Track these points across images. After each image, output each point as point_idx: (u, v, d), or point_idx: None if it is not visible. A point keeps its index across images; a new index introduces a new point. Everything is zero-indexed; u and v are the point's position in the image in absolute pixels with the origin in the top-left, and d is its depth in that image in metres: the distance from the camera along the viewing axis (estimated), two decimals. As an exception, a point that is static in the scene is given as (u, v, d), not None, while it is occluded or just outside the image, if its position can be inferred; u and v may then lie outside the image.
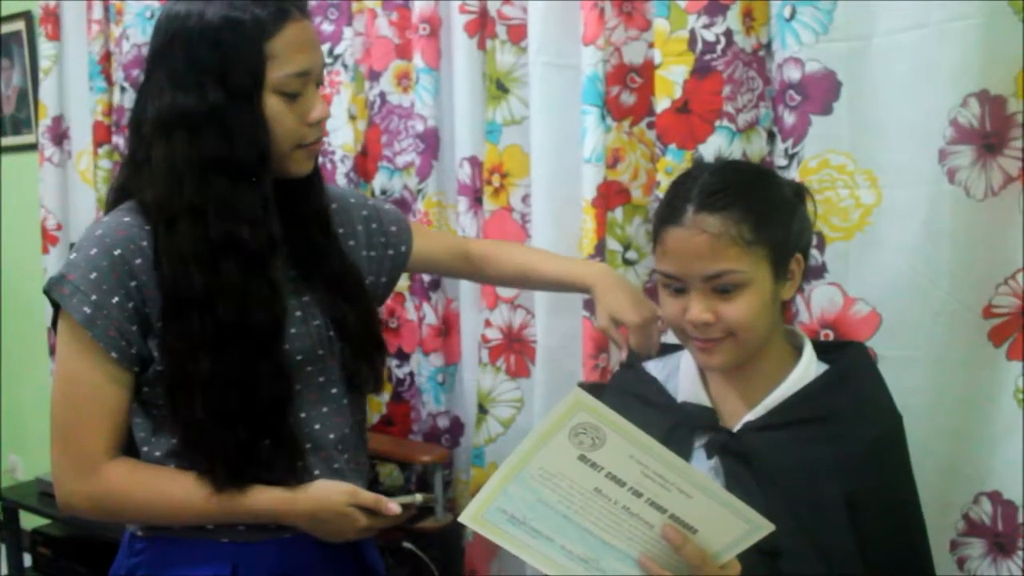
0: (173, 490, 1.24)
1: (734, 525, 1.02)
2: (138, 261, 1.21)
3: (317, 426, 1.31)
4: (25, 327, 3.19)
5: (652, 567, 1.04)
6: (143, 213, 1.24)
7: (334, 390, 1.34)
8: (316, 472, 1.30)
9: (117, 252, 1.21)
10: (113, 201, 1.29)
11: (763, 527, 1.01)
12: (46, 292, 1.24)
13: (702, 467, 1.22)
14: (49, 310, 1.27)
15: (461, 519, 1.06)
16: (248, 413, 1.22)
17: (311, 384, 1.31)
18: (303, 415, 1.30)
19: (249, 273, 1.22)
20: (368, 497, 1.26)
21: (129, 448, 1.29)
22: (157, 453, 1.28)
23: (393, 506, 1.26)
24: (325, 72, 1.77)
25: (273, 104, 1.22)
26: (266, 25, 1.20)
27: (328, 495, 1.25)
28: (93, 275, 1.20)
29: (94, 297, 1.20)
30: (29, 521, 2.71)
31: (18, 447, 3.27)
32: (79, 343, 1.22)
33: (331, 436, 1.33)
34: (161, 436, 1.28)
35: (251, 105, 1.20)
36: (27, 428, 3.19)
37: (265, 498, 1.24)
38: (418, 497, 1.30)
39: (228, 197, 1.20)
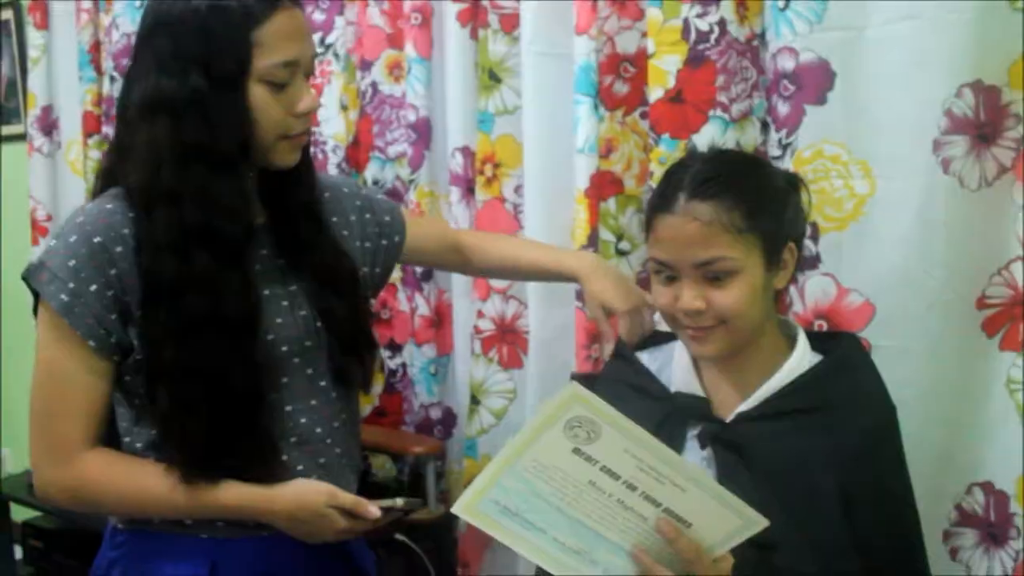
0: (148, 483, 1.22)
1: (728, 520, 1.02)
2: (118, 249, 1.20)
3: (304, 419, 1.30)
4: (15, 319, 3.18)
5: (645, 560, 1.04)
6: (127, 200, 1.22)
7: (323, 383, 1.33)
8: (299, 467, 1.28)
9: (97, 240, 1.20)
10: (99, 187, 1.28)
11: (757, 522, 1.01)
12: (25, 279, 1.23)
13: (695, 457, 1.21)
14: (31, 298, 1.26)
15: (454, 510, 1.06)
16: (219, 405, 1.20)
17: (299, 376, 1.30)
18: (289, 408, 1.28)
19: (222, 263, 1.20)
20: (347, 499, 1.23)
21: (113, 439, 1.28)
22: (138, 444, 1.27)
23: (373, 509, 1.23)
24: (316, 62, 1.76)
25: (259, 93, 1.20)
26: (254, 12, 1.18)
27: (306, 495, 1.23)
28: (71, 262, 1.19)
29: (72, 285, 1.19)
30: (20, 513, 2.71)
31: (9, 439, 3.26)
32: (57, 331, 1.20)
33: (318, 430, 1.31)
34: (142, 427, 1.26)
35: (235, 93, 1.19)
36: (18, 421, 3.18)
37: (241, 495, 1.22)
38: (399, 501, 1.27)
39: (206, 185, 1.19)
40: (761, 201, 1.18)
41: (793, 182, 1.26)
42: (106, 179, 1.28)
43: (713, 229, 1.14)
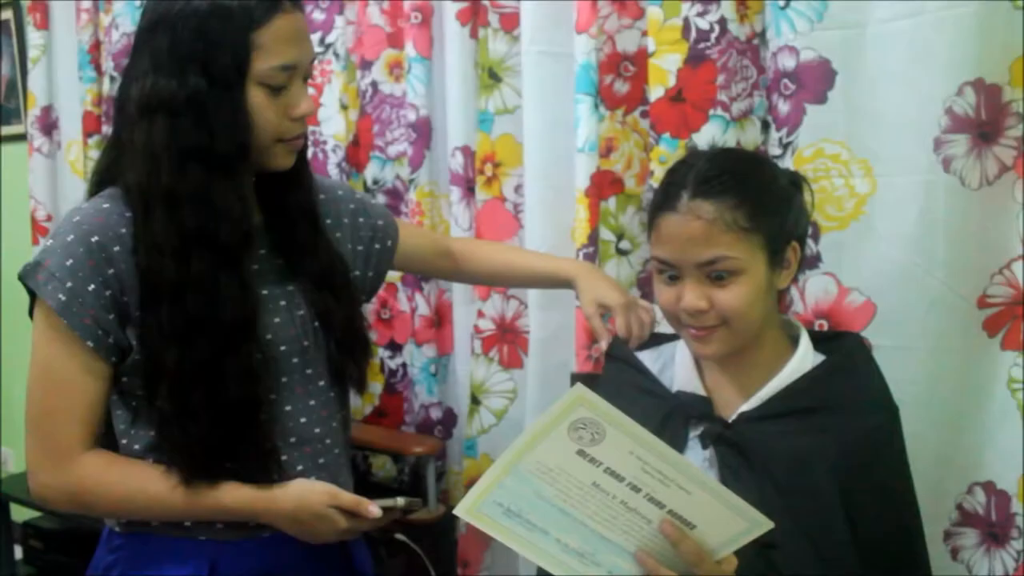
0: (147, 485, 1.22)
1: (732, 522, 1.02)
2: (116, 249, 1.19)
3: (303, 419, 1.30)
4: (16, 319, 3.18)
5: (649, 562, 1.04)
6: (123, 199, 1.22)
7: (321, 383, 1.32)
8: (299, 468, 1.28)
9: (95, 239, 1.19)
10: (96, 184, 1.27)
11: (762, 524, 1.01)
12: (21, 279, 1.22)
13: (697, 458, 1.21)
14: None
15: (456, 512, 1.05)
16: (218, 406, 1.19)
17: (297, 376, 1.29)
18: (288, 408, 1.28)
19: (220, 267, 1.19)
20: (348, 499, 1.23)
21: (110, 441, 1.27)
22: (136, 446, 1.26)
23: (374, 509, 1.23)
24: (316, 62, 1.75)
25: (256, 96, 1.19)
26: (254, 14, 1.17)
27: (307, 495, 1.23)
28: (69, 262, 1.18)
29: (69, 284, 1.18)
30: (20, 514, 2.70)
31: (9, 439, 3.26)
32: (54, 331, 1.20)
33: (317, 430, 1.31)
34: (140, 428, 1.25)
35: (233, 95, 1.18)
36: (18, 421, 3.17)
37: (242, 496, 1.22)
38: (399, 501, 1.27)
39: (204, 187, 1.18)
40: (765, 200, 1.18)
41: (796, 181, 1.26)
42: (103, 176, 1.27)
43: (716, 228, 1.14)
